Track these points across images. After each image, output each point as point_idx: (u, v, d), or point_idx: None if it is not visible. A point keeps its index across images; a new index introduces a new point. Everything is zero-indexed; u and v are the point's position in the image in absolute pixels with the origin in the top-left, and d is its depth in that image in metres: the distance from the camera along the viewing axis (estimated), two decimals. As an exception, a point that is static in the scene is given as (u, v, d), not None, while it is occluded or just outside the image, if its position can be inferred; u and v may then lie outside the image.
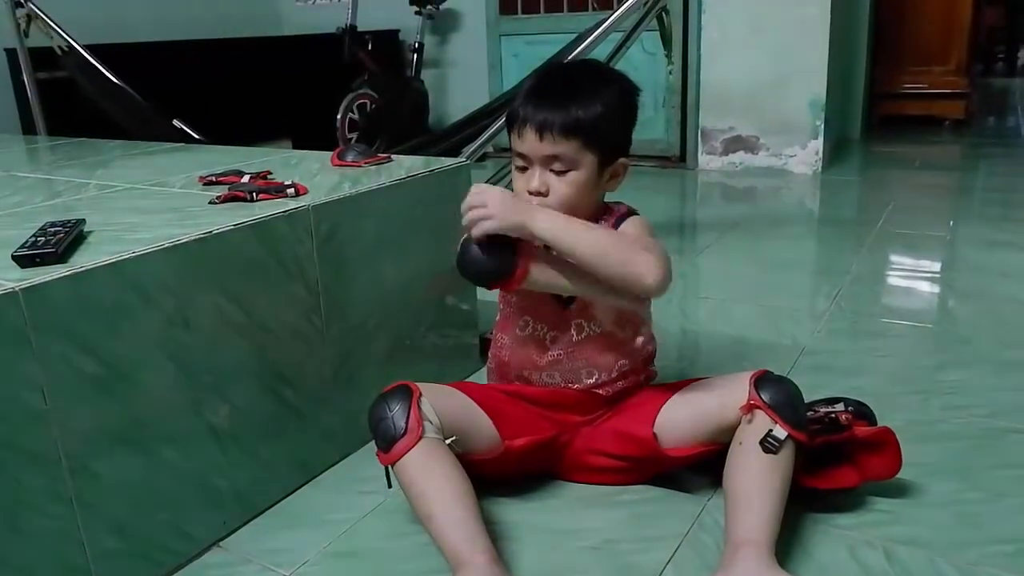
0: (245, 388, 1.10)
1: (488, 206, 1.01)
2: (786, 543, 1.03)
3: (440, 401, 1.07)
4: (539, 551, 1.04)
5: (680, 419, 1.11)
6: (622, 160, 1.13)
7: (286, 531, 1.11)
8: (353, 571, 1.03)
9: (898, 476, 1.11)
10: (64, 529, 0.90)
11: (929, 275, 2.18)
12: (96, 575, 0.94)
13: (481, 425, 1.10)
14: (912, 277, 2.16)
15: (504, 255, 1.02)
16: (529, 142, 1.07)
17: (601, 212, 1.16)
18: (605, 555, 1.03)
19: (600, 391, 1.16)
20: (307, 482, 1.21)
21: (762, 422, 1.02)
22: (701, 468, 1.18)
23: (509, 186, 1.13)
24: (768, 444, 1.00)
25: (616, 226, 1.13)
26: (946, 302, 1.94)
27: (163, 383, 0.99)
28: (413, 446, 1.01)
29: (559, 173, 1.08)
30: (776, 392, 1.04)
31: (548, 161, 1.07)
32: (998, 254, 2.22)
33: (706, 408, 1.09)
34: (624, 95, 1.11)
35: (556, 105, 1.06)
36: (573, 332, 1.14)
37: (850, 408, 1.13)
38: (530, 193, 1.08)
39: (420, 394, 1.05)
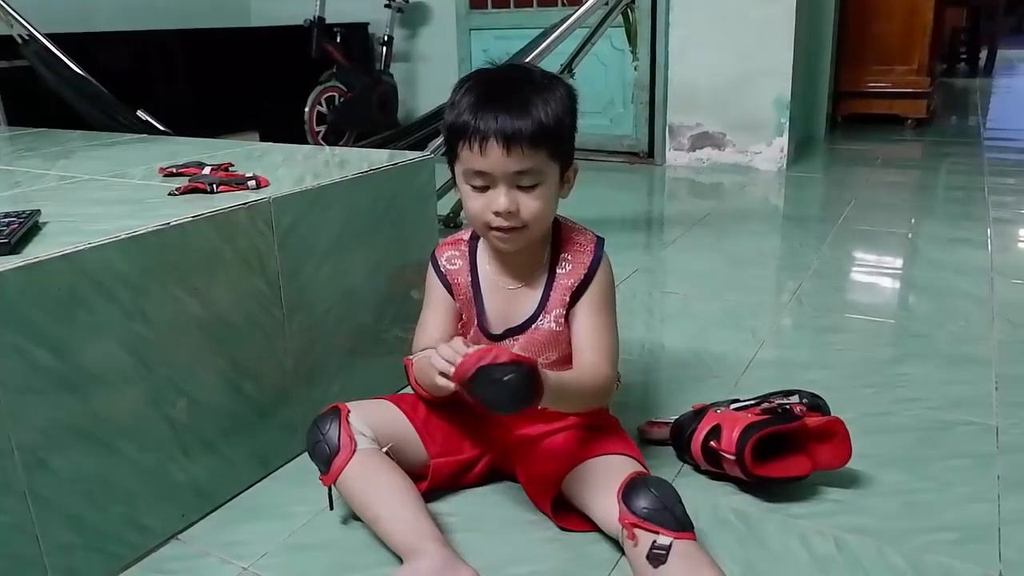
0: (204, 381, 1.10)
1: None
2: (738, 531, 1.05)
3: (371, 414, 1.10)
4: (497, 541, 1.05)
5: (575, 496, 1.05)
6: (574, 165, 1.09)
7: (245, 524, 1.11)
8: (312, 563, 1.03)
9: (849, 467, 1.13)
10: (17, 523, 0.89)
11: (889, 271, 2.22)
12: (51, 569, 0.93)
13: (411, 438, 1.12)
14: (872, 273, 2.21)
15: (530, 392, 0.91)
16: (494, 158, 0.98)
17: (565, 238, 1.12)
18: (561, 546, 1.04)
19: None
20: (267, 475, 1.21)
21: (645, 538, 0.91)
22: (661, 457, 1.20)
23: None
24: (655, 555, 0.90)
25: (591, 271, 1.09)
26: (905, 298, 1.98)
27: (120, 376, 0.98)
28: (349, 460, 1.04)
29: (526, 188, 1.01)
30: (648, 500, 0.93)
31: (515, 177, 1.00)
32: (957, 251, 2.27)
33: (592, 512, 1.03)
34: (570, 95, 1.05)
35: (520, 114, 0.98)
36: None
37: (804, 400, 1.16)
38: (497, 214, 1.01)
39: (348, 411, 1.08)
